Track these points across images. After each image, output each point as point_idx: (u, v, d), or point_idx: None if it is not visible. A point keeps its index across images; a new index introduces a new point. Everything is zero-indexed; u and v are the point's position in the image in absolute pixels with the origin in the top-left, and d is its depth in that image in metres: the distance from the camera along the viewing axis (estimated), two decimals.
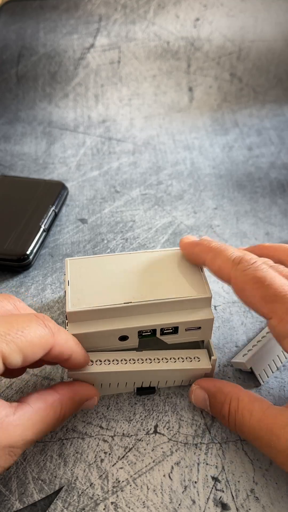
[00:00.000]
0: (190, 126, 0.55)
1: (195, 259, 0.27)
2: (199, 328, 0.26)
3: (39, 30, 0.59)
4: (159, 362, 0.26)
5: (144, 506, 0.23)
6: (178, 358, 0.26)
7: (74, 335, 0.25)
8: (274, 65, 0.59)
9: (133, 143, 0.52)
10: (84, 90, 0.58)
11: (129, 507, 0.23)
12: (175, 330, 0.26)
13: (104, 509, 0.23)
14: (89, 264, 0.28)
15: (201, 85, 0.59)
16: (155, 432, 0.27)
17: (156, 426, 0.27)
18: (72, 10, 0.59)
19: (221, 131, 0.54)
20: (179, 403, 0.28)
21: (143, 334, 0.26)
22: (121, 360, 0.26)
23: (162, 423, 0.27)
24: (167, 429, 0.27)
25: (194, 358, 0.27)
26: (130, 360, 0.26)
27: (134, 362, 0.26)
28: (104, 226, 0.42)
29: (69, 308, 0.25)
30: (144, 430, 0.27)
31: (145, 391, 0.28)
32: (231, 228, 0.41)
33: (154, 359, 0.26)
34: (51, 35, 0.58)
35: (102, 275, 0.27)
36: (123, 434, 0.26)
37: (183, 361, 0.26)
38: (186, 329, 0.26)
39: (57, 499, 0.24)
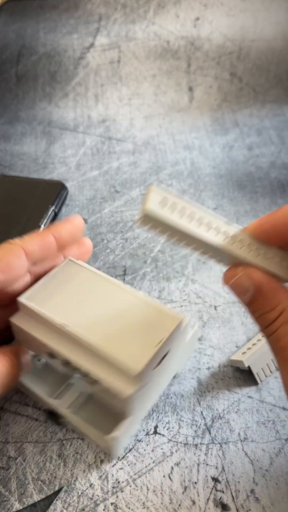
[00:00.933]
0: (190, 126, 0.55)
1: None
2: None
3: (39, 30, 0.58)
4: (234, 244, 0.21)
5: (144, 507, 0.23)
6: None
7: (14, 324, 0.25)
8: (274, 65, 0.59)
9: (133, 143, 0.52)
10: (84, 90, 0.58)
11: (129, 508, 0.23)
12: (94, 381, 0.23)
13: (104, 509, 0.23)
14: (79, 273, 0.26)
15: (201, 84, 0.58)
16: (155, 432, 0.26)
17: (156, 427, 0.27)
18: (72, 9, 0.59)
19: (221, 131, 0.54)
20: (179, 404, 0.28)
21: (67, 363, 0.24)
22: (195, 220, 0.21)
23: (162, 423, 0.27)
24: (167, 429, 0.27)
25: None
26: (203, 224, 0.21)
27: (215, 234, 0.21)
28: (104, 226, 0.42)
29: (23, 299, 0.24)
30: (144, 430, 0.27)
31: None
32: None
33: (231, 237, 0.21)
34: (51, 35, 0.58)
35: (77, 289, 0.25)
36: None
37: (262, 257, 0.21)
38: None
39: (56, 500, 0.24)
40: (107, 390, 0.22)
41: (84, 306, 0.24)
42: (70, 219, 0.27)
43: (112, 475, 0.25)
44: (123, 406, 0.23)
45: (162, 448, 0.26)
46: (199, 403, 0.28)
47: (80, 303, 0.25)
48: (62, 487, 0.24)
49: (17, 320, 0.25)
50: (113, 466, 0.25)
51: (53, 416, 0.27)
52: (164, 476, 0.25)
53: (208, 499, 0.24)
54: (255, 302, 0.22)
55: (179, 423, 0.27)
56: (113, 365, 0.22)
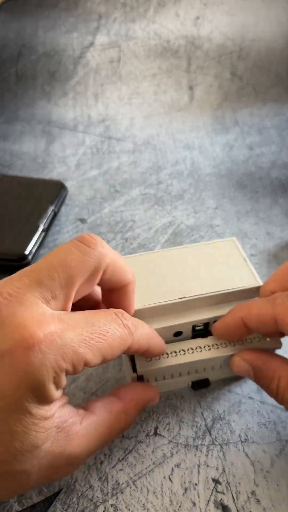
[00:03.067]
0: (191, 125, 0.55)
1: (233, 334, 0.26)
2: None
3: (38, 29, 0.58)
4: (218, 348, 0.26)
5: (144, 509, 0.23)
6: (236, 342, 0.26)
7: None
8: (274, 64, 0.59)
9: (133, 143, 0.52)
10: (83, 89, 0.58)
11: (129, 509, 0.23)
12: None
13: (103, 511, 0.23)
14: (133, 263, 0.27)
15: (201, 84, 0.58)
16: (155, 433, 0.26)
17: (156, 428, 0.27)
18: (71, 8, 0.58)
19: (222, 130, 0.54)
20: (180, 405, 0.28)
21: (196, 328, 0.26)
22: (180, 351, 0.26)
23: (162, 424, 0.27)
24: (168, 430, 0.26)
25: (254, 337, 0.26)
26: (188, 350, 0.26)
27: (200, 351, 0.26)
28: (103, 226, 0.41)
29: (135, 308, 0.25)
30: (144, 431, 0.26)
31: (200, 384, 0.28)
32: (232, 228, 0.41)
33: (213, 345, 0.26)
34: (51, 34, 0.58)
35: (149, 273, 0.27)
36: (123, 435, 0.26)
37: (242, 343, 0.26)
38: None
39: (56, 501, 0.24)
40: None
41: (168, 279, 0.26)
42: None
43: (112, 476, 0.25)
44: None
45: (162, 449, 0.26)
46: (200, 404, 0.28)
47: (162, 278, 0.26)
48: (62, 489, 0.24)
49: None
50: (113, 467, 0.25)
51: (198, 384, 0.28)
52: (164, 478, 0.24)
53: (208, 501, 0.24)
54: (258, 378, 0.24)
55: (179, 424, 0.27)
56: (239, 295, 0.26)
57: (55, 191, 0.42)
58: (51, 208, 0.40)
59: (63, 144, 0.52)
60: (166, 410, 0.27)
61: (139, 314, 0.25)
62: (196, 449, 0.26)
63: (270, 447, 0.26)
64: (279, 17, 0.59)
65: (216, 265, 0.27)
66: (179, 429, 0.26)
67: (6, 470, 0.18)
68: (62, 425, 0.20)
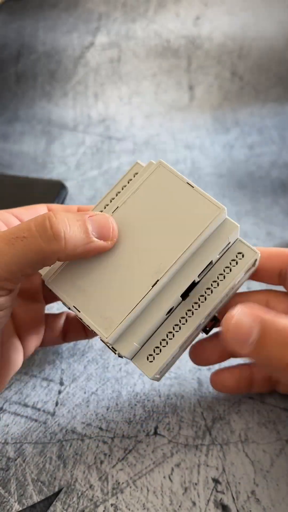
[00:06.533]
0: (191, 125, 0.55)
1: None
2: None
3: (38, 29, 0.58)
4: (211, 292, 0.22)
5: (144, 508, 0.23)
6: (225, 272, 0.23)
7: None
8: (275, 64, 0.59)
9: (133, 142, 0.52)
10: (83, 89, 0.58)
11: (129, 509, 0.23)
12: (209, 264, 0.22)
13: (103, 511, 0.23)
14: (71, 271, 0.22)
15: (201, 83, 0.58)
16: (155, 433, 0.26)
17: (156, 428, 0.27)
18: (71, 8, 0.58)
19: (222, 130, 0.54)
20: (180, 405, 0.28)
21: (184, 292, 0.22)
22: (174, 328, 0.22)
23: (162, 424, 0.27)
24: (168, 430, 0.26)
25: (237, 256, 0.23)
26: (180, 320, 0.22)
27: (190, 315, 0.22)
28: None
29: (106, 337, 0.21)
30: (144, 431, 0.26)
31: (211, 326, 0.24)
32: None
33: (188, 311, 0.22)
34: (51, 34, 0.58)
35: (95, 272, 0.22)
36: (123, 435, 0.26)
37: (230, 271, 0.23)
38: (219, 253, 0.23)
39: (56, 501, 0.24)
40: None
41: (123, 264, 0.22)
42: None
43: (112, 476, 0.25)
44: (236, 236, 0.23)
45: (162, 449, 0.26)
46: (200, 404, 0.28)
47: (114, 268, 0.22)
48: (62, 488, 0.24)
49: (124, 350, 0.22)
50: (113, 467, 0.25)
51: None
52: (164, 477, 0.24)
53: (208, 500, 0.24)
54: (264, 347, 0.17)
55: (179, 424, 0.27)
56: (210, 234, 0.22)
57: (55, 191, 0.42)
58: None
59: (63, 144, 0.52)
60: (166, 409, 0.27)
61: (127, 328, 0.21)
62: (196, 449, 0.26)
63: (270, 447, 0.26)
64: (280, 17, 0.59)
65: (162, 212, 0.22)
66: (179, 428, 0.26)
67: None
68: None
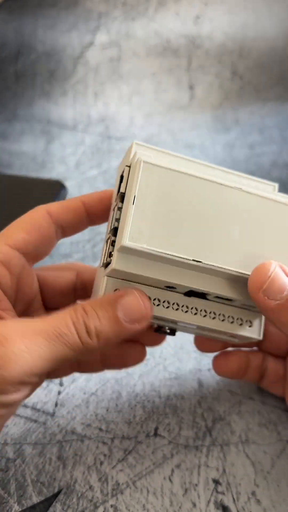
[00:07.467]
0: (191, 125, 0.55)
1: None
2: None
3: (37, 28, 0.58)
4: (205, 316, 0.22)
5: (144, 509, 0.23)
6: (228, 317, 0.22)
7: (116, 270, 0.20)
8: (275, 63, 0.59)
9: None
10: (83, 88, 0.57)
11: (129, 510, 0.23)
12: (229, 299, 0.22)
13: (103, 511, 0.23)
14: (172, 180, 0.21)
15: (202, 83, 0.58)
16: (155, 434, 0.26)
17: (156, 428, 0.26)
18: (71, 7, 0.58)
19: (222, 130, 0.54)
20: (180, 405, 0.28)
21: (192, 292, 0.22)
22: (173, 304, 0.22)
23: (163, 425, 0.27)
24: (168, 431, 0.26)
25: (246, 321, 0.22)
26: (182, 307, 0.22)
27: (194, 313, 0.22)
28: (104, 226, 0.41)
29: (125, 241, 0.19)
30: (144, 432, 0.26)
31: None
32: None
33: (200, 311, 0.22)
34: (50, 33, 0.58)
35: (184, 205, 0.20)
36: (123, 436, 0.26)
37: (232, 322, 0.22)
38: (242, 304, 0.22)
39: (56, 502, 0.24)
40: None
41: (203, 225, 0.20)
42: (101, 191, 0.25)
43: (112, 477, 0.24)
44: None
45: (162, 450, 0.26)
46: (200, 405, 0.28)
47: (195, 220, 0.20)
48: (62, 489, 0.24)
49: (121, 265, 0.20)
50: (112, 468, 0.25)
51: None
52: (164, 478, 0.24)
53: (209, 501, 0.23)
54: None
55: (179, 425, 0.27)
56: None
57: (54, 191, 0.42)
58: None
59: (62, 143, 0.52)
60: (166, 410, 0.27)
61: (142, 254, 0.20)
62: (196, 450, 0.25)
63: (271, 447, 0.26)
64: (280, 16, 0.59)
65: (264, 237, 0.21)
66: (179, 429, 0.26)
67: None
68: None
